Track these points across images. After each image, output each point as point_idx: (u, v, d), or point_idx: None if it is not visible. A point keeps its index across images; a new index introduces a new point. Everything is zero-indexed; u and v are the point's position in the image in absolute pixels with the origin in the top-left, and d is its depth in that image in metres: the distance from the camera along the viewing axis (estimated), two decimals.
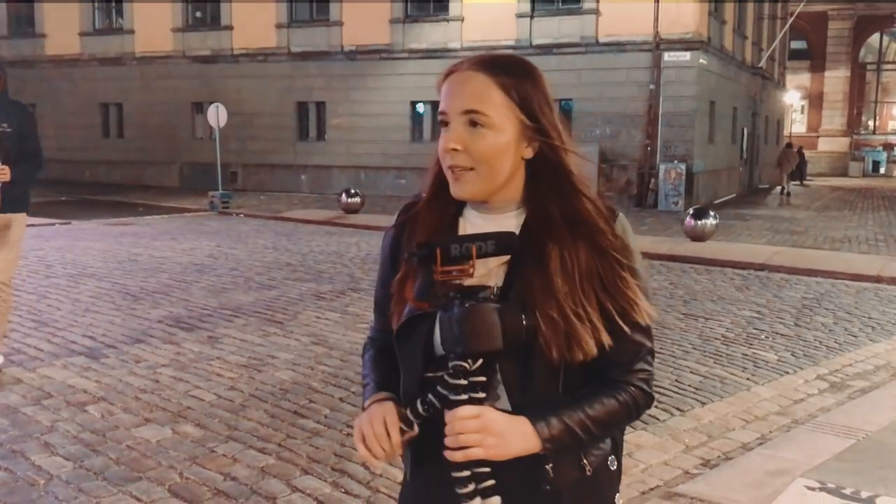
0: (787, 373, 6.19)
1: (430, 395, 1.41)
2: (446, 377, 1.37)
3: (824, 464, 4.12)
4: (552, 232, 1.46)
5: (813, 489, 3.80)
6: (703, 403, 5.41)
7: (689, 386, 5.77)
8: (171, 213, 19.04)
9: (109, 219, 17.24)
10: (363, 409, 1.56)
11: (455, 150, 1.46)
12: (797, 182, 31.09)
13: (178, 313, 7.91)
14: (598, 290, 1.45)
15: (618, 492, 1.63)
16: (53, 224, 16.01)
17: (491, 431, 1.36)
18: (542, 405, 1.43)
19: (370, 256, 12.10)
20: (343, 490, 3.96)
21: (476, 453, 1.35)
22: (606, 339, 1.44)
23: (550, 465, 1.46)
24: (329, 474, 4.14)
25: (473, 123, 1.45)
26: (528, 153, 1.48)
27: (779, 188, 28.09)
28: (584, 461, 1.50)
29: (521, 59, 1.53)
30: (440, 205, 1.57)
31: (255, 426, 4.82)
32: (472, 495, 1.37)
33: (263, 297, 8.73)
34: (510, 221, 1.51)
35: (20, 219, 5.85)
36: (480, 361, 1.36)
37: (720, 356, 6.60)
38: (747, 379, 5.99)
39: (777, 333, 7.46)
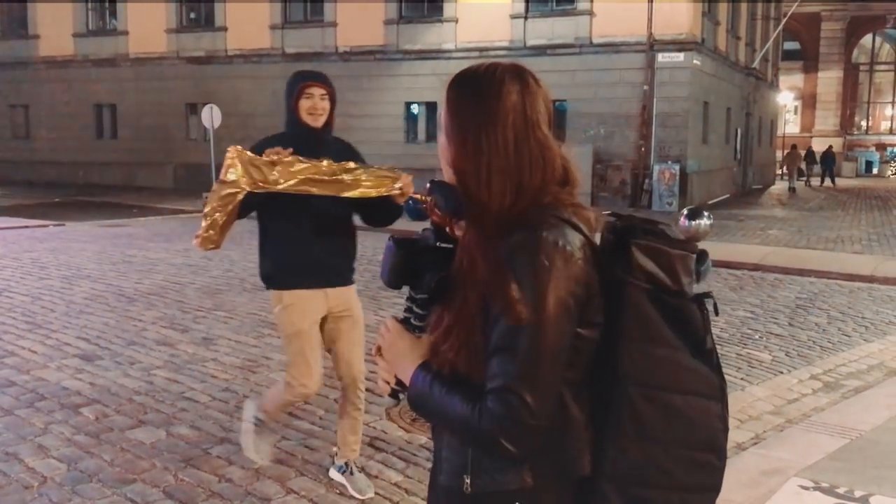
0: (782, 372, 6.21)
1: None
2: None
3: (818, 463, 4.13)
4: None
5: (807, 488, 3.81)
6: None
7: None
8: (166, 214, 19.01)
9: (103, 220, 17.20)
10: None
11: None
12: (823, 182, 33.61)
13: (173, 315, 7.90)
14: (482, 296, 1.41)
15: None
16: (47, 226, 15.97)
17: (388, 346, 1.55)
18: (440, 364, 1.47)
19: (364, 257, 12.05)
20: (337, 491, 3.96)
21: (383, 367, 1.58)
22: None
23: (402, 397, 1.57)
24: (324, 475, 4.13)
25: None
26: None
27: (773, 187, 30.23)
28: (467, 477, 1.48)
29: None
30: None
31: None
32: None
33: (258, 299, 8.72)
34: None
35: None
36: (423, 296, 1.56)
37: None
38: (742, 379, 6.01)
39: (771, 333, 7.48)
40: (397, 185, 3.60)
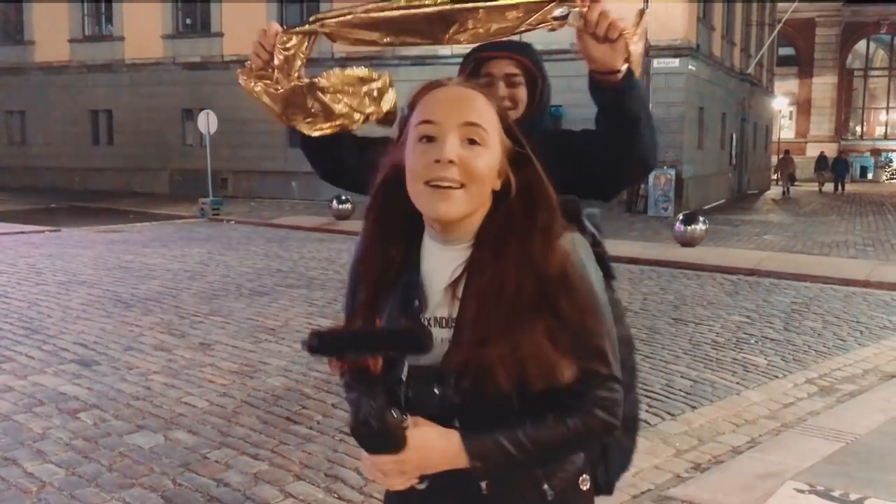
0: (777, 377, 6.23)
1: None
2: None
3: (814, 467, 4.15)
4: (500, 265, 1.39)
5: (802, 492, 3.83)
6: (694, 408, 5.44)
7: (680, 390, 5.80)
8: (162, 219, 19.02)
9: (100, 226, 17.19)
10: None
11: (452, 162, 1.35)
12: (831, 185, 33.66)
13: (170, 320, 7.91)
14: (548, 319, 1.38)
15: None
16: (43, 231, 15.96)
17: (405, 463, 1.34)
18: (485, 423, 1.38)
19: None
20: (336, 496, 3.98)
21: (398, 483, 1.38)
22: (560, 368, 1.38)
23: (485, 482, 1.43)
24: (322, 480, 4.15)
25: (471, 140, 1.37)
26: (497, 184, 1.41)
27: (768, 192, 30.29)
28: (545, 486, 1.47)
29: None
30: (391, 235, 1.48)
31: (248, 432, 4.82)
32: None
33: (255, 304, 8.73)
34: (464, 254, 1.43)
35: None
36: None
37: (710, 361, 6.64)
38: (737, 383, 6.03)
39: (766, 338, 7.50)
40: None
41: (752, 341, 7.36)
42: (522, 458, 1.38)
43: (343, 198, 18.09)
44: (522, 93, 2.11)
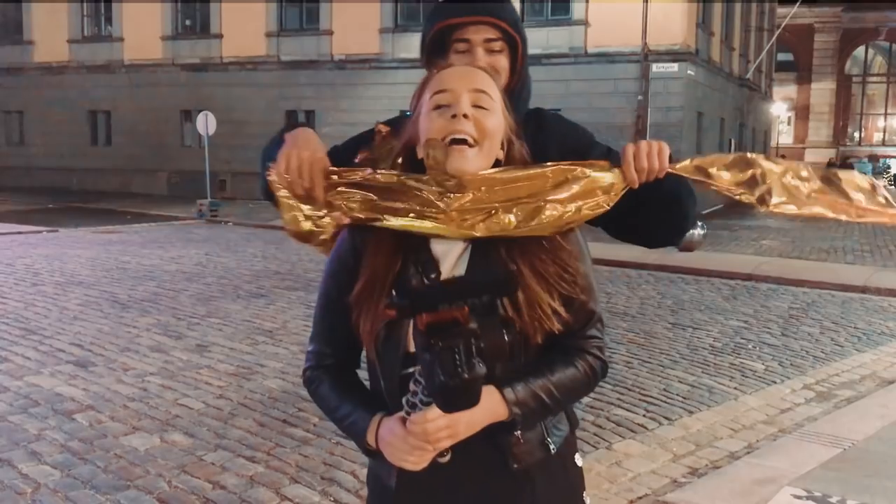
0: (774, 382, 6.23)
1: (406, 400, 1.45)
2: (418, 376, 1.41)
3: (811, 472, 4.15)
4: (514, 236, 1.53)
5: (800, 497, 3.83)
6: (691, 412, 5.43)
7: (677, 395, 5.79)
8: (160, 221, 18.99)
9: (97, 227, 17.16)
10: (370, 437, 1.51)
11: (466, 116, 1.49)
12: None
13: (167, 321, 7.89)
14: (553, 272, 1.52)
15: (584, 489, 1.69)
16: (41, 232, 15.94)
17: (458, 424, 1.41)
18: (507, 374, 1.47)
19: None
20: (332, 499, 3.96)
21: (446, 445, 1.43)
22: (563, 312, 1.51)
23: (520, 431, 1.50)
24: (318, 483, 4.14)
25: (479, 106, 1.51)
26: (501, 154, 1.56)
27: None
28: (548, 439, 1.57)
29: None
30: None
31: (244, 435, 4.81)
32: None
33: (252, 306, 8.72)
34: None
35: None
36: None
37: (708, 366, 6.63)
38: (735, 388, 6.02)
39: (764, 343, 7.50)
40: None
41: (750, 346, 7.36)
42: (550, 402, 1.50)
43: None
44: (504, 60, 1.87)
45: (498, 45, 1.86)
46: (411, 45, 23.48)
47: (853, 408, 5.57)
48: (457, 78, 1.54)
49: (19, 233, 15.62)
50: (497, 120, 1.53)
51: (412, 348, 1.43)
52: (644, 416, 5.25)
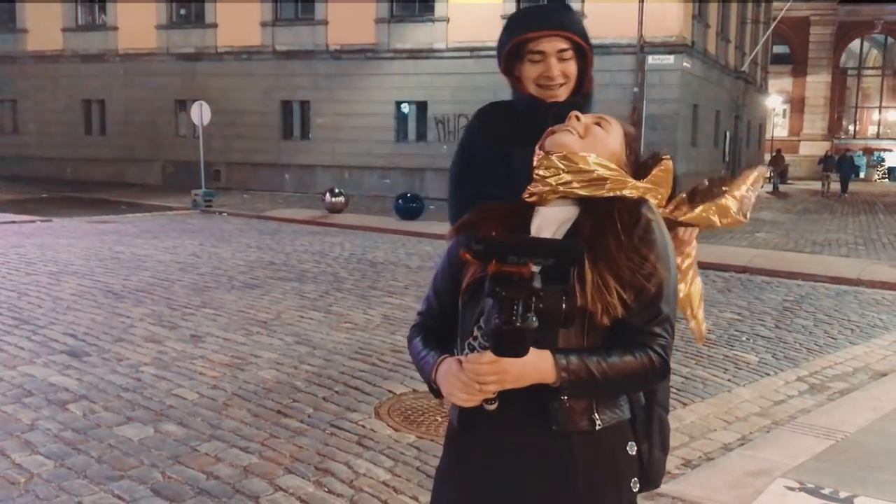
0: (768, 374, 6.25)
1: (468, 343, 1.66)
2: (482, 323, 1.57)
3: (804, 464, 4.16)
4: (603, 221, 1.68)
5: (793, 489, 3.84)
6: (685, 404, 5.45)
7: (671, 387, 5.79)
8: (154, 211, 18.94)
9: (91, 216, 17.12)
10: (433, 373, 1.73)
11: (579, 119, 1.82)
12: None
13: (161, 311, 7.88)
14: (626, 264, 1.64)
15: (635, 478, 1.76)
16: (34, 221, 15.89)
17: (506, 373, 1.55)
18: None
19: (354, 256, 12.10)
20: (326, 489, 3.97)
21: (492, 388, 1.58)
22: (631, 303, 1.63)
23: (566, 396, 1.62)
24: (312, 473, 4.14)
25: (598, 125, 1.84)
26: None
27: (762, 189, 30.68)
28: (595, 414, 1.67)
29: None
30: (514, 206, 1.82)
31: (238, 425, 4.81)
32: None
33: (247, 296, 8.70)
34: (566, 215, 1.74)
35: None
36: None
37: (702, 358, 6.65)
38: (728, 380, 6.04)
39: (758, 335, 7.52)
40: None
41: (744, 339, 7.38)
42: (601, 379, 1.61)
43: (337, 191, 18.07)
44: (573, 66, 2.18)
45: (568, 53, 2.16)
46: (406, 35, 23.44)
47: (846, 400, 5.59)
48: (587, 115, 1.88)
49: (12, 222, 15.56)
50: (610, 140, 1.83)
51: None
52: None
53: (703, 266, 11.73)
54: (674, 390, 5.73)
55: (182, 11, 26.77)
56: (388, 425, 4.86)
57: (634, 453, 1.75)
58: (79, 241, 13.03)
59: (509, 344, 1.46)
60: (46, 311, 7.80)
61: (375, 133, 23.81)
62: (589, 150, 1.76)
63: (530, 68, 2.15)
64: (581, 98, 2.20)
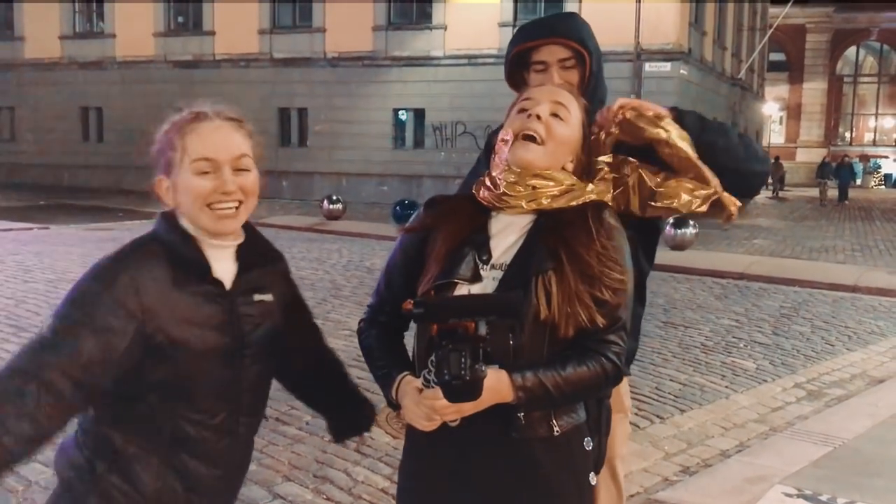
0: (766, 381, 6.25)
1: (423, 374, 1.66)
2: (432, 363, 1.57)
3: (801, 471, 4.16)
4: (562, 233, 1.69)
5: (790, 496, 3.85)
6: (683, 411, 5.45)
7: (669, 394, 5.81)
8: (152, 218, 18.75)
9: (89, 224, 17.10)
10: (393, 391, 1.76)
11: (539, 118, 1.73)
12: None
13: None
14: (594, 273, 1.67)
15: (592, 471, 1.82)
16: (31, 228, 15.87)
17: (463, 407, 1.58)
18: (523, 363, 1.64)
19: (352, 263, 12.10)
20: (325, 496, 3.96)
21: (451, 419, 1.64)
22: (595, 311, 1.65)
23: (522, 413, 1.66)
24: (310, 481, 4.13)
25: (556, 115, 1.76)
26: (570, 166, 1.79)
27: (758, 196, 30.75)
28: (553, 422, 1.70)
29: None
30: (472, 206, 1.81)
31: None
32: None
33: None
34: (526, 220, 1.75)
35: None
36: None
37: (699, 364, 6.66)
38: (726, 387, 6.04)
39: (755, 342, 7.53)
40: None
41: (742, 345, 7.39)
42: (556, 394, 1.63)
43: (334, 198, 18.07)
44: (575, 75, 2.17)
45: (570, 62, 2.15)
46: (404, 43, 23.48)
47: (843, 406, 5.59)
48: (543, 91, 1.81)
49: (10, 230, 15.54)
50: (569, 132, 1.77)
51: None
52: (636, 414, 5.26)
53: (700, 272, 11.74)
54: (671, 397, 5.74)
55: (180, 19, 26.81)
56: (387, 433, 4.84)
57: (591, 448, 1.81)
58: (76, 249, 13.01)
59: (462, 393, 1.50)
60: (44, 318, 7.76)
61: (373, 140, 23.84)
62: (551, 156, 1.75)
63: (534, 78, 2.16)
64: (598, 105, 2.13)
